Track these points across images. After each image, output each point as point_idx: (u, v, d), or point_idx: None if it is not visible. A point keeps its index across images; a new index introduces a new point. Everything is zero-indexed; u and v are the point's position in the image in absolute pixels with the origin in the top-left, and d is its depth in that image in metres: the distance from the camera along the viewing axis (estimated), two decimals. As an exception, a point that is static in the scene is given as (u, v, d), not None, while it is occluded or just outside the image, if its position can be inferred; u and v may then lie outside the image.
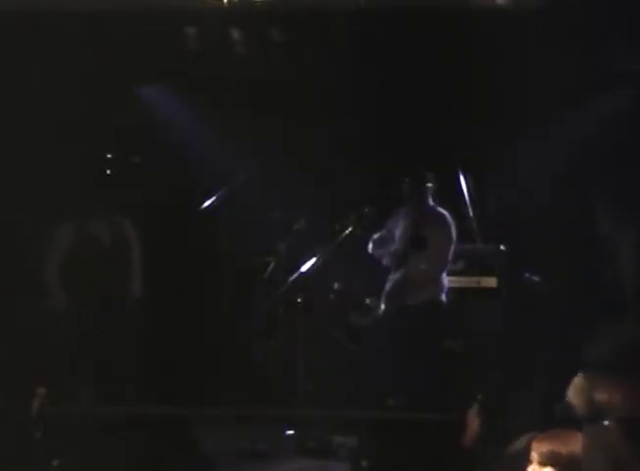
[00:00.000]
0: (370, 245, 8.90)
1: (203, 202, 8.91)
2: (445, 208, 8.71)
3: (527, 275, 9.10)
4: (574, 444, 3.73)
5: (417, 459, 5.28)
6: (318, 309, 8.78)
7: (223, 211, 9.08)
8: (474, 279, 8.84)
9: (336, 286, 9.14)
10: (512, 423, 4.28)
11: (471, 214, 9.14)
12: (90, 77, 8.89)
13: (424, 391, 7.74)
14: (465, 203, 9.09)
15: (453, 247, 8.56)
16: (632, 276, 8.63)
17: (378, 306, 8.72)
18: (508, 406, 6.56)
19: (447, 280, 8.61)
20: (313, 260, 8.30)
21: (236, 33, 9.05)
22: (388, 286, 8.66)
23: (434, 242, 8.35)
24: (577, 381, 3.80)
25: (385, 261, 8.74)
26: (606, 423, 3.53)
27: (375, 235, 8.86)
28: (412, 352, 8.12)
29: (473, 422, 4.09)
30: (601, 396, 3.62)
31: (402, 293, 8.47)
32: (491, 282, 8.96)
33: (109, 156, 9.49)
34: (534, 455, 3.79)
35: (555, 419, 4.11)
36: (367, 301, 9.08)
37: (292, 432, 7.95)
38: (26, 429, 6.23)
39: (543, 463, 3.79)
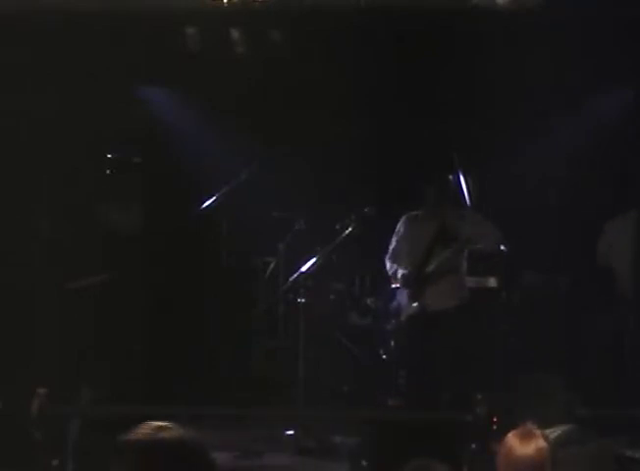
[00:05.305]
0: (388, 264, 8.45)
1: (203, 202, 8.90)
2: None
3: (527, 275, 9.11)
4: None
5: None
6: (318, 309, 8.77)
7: (223, 211, 9.07)
8: (474, 279, 8.81)
9: (336, 286, 9.13)
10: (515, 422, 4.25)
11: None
12: (90, 76, 8.88)
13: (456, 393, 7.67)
14: (465, 203, 9.08)
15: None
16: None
17: (399, 309, 8.51)
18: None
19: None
20: (313, 260, 8.29)
21: (236, 33, 9.06)
22: (408, 291, 8.36)
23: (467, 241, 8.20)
24: None
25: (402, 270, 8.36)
26: None
27: (389, 254, 8.47)
28: (437, 355, 8.02)
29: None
30: None
31: (427, 298, 8.28)
32: (491, 282, 8.95)
33: (109, 156, 9.50)
34: None
35: None
36: (368, 301, 9.08)
37: (291, 432, 7.94)
38: (25, 429, 6.22)
39: None
